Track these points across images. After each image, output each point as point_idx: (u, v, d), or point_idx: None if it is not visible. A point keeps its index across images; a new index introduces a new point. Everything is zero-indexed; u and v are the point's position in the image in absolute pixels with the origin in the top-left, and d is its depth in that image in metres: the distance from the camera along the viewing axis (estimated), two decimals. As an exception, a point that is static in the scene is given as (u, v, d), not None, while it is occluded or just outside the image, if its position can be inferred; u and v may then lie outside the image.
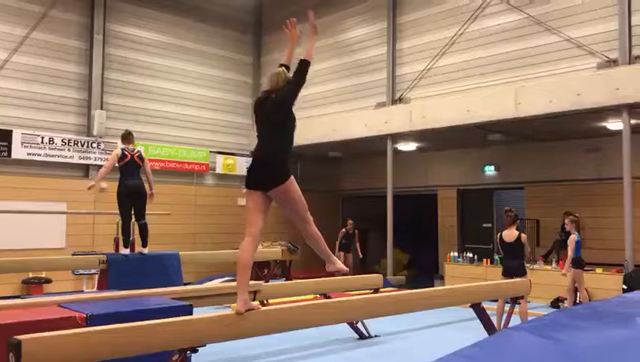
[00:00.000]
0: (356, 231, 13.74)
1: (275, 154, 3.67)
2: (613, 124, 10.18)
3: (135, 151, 7.61)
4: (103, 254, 7.29)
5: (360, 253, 13.99)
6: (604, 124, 10.50)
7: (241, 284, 3.51)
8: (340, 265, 3.96)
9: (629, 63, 9.22)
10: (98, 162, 12.55)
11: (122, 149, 7.48)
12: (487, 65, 11.02)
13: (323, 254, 3.94)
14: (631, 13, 9.31)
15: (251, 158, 3.79)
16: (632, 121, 9.26)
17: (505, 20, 10.87)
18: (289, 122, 3.77)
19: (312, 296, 7.89)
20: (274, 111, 3.73)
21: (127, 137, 7.65)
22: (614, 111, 9.45)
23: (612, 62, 9.45)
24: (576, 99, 9.46)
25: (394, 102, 12.46)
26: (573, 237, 8.38)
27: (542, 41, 10.32)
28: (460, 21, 11.44)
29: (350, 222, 13.78)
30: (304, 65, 3.76)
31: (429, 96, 11.78)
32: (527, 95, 10.06)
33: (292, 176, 3.67)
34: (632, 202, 9.10)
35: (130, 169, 7.43)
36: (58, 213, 11.49)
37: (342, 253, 13.46)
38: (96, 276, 9.42)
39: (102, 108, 12.79)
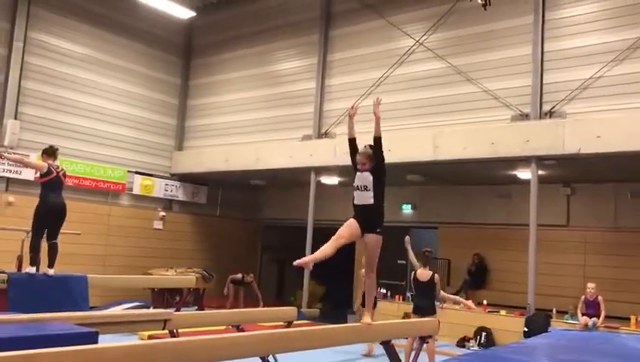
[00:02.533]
0: (253, 282, 13.53)
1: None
2: (523, 174, 10.77)
3: (60, 168, 7.36)
4: (4, 273, 6.86)
5: (260, 301, 13.25)
6: (515, 172, 11.10)
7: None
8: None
9: (540, 118, 9.88)
10: (6, 174, 11.89)
11: (49, 165, 7.21)
12: (410, 108, 11.43)
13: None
14: (543, 72, 10.01)
15: None
16: (540, 172, 9.89)
17: (429, 67, 11.37)
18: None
19: (223, 327, 7.75)
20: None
21: (53, 153, 7.39)
22: (524, 161, 10.03)
23: (524, 116, 10.09)
24: (491, 148, 9.99)
25: (320, 136, 12.66)
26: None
27: (462, 90, 10.86)
28: (386, 64, 11.85)
29: (251, 275, 13.66)
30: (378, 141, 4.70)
31: (353, 133, 12.01)
32: (445, 140, 10.51)
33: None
34: (536, 248, 9.62)
35: (55, 186, 7.18)
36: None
37: (232, 286, 13.33)
38: (-6, 296, 8.81)
39: (16, 118, 12.17)
